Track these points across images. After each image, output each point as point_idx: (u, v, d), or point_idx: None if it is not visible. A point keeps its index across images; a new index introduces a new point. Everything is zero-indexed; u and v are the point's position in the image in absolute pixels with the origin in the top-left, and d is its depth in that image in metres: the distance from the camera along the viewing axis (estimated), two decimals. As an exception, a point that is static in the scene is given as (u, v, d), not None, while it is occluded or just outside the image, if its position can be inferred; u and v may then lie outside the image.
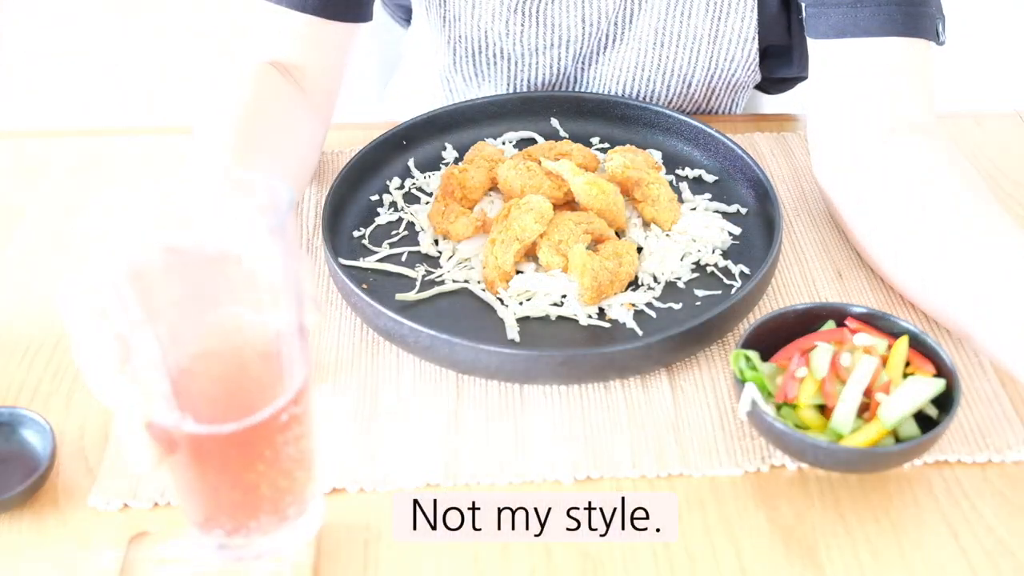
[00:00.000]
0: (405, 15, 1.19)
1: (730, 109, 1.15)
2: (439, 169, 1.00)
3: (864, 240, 0.88)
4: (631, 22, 1.03)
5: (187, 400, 0.56)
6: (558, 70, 1.08)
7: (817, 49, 0.92)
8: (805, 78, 1.11)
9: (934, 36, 0.90)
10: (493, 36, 1.04)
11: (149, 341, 0.54)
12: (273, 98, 0.89)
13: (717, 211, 0.94)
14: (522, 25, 1.03)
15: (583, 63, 1.07)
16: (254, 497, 0.61)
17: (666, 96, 1.09)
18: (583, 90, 1.10)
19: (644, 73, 1.07)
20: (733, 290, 0.86)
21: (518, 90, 1.10)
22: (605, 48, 1.06)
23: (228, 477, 0.60)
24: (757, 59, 1.06)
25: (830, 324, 0.77)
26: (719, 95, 1.11)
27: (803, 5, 0.94)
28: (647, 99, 1.09)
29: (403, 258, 0.90)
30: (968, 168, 0.85)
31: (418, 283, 0.87)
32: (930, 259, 0.81)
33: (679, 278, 0.87)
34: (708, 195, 0.96)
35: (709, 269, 0.88)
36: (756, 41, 1.04)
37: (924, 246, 0.82)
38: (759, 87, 1.19)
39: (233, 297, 0.54)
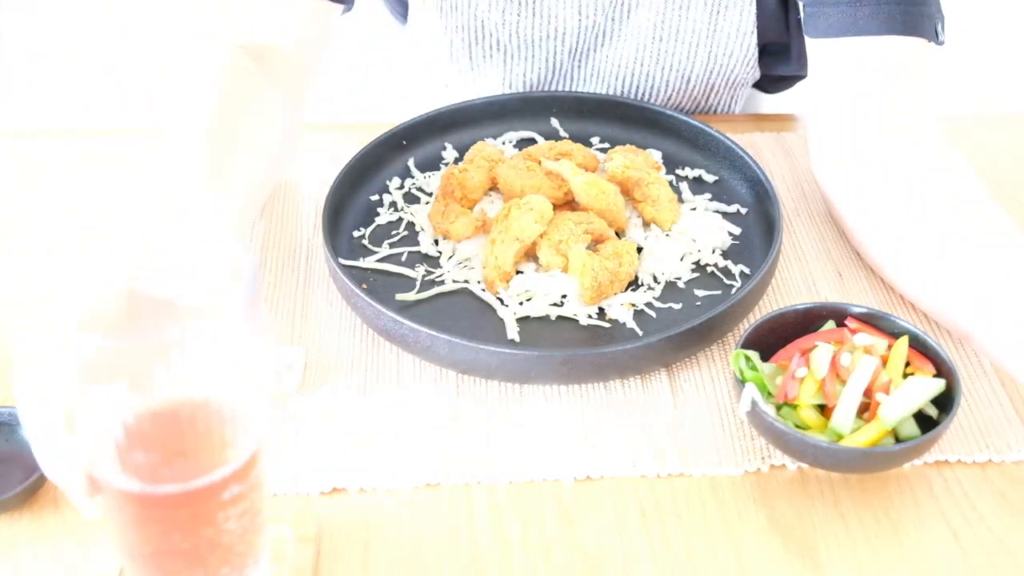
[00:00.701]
0: (403, 10, 1.19)
1: (729, 107, 1.15)
2: (439, 169, 1.00)
3: (864, 240, 0.88)
4: (628, 16, 1.03)
5: (129, 458, 0.55)
6: (554, 64, 1.08)
7: (816, 48, 0.92)
8: (804, 77, 1.11)
9: (933, 36, 0.90)
10: (489, 26, 1.04)
11: (98, 399, 0.52)
12: (245, 93, 0.87)
13: (717, 211, 0.94)
14: (518, 15, 1.03)
15: (580, 58, 1.07)
16: (183, 564, 0.59)
17: (665, 92, 1.09)
18: (581, 85, 1.10)
19: (643, 68, 1.07)
20: (733, 290, 0.86)
21: (514, 84, 1.10)
22: (602, 43, 1.06)
23: (156, 539, 0.58)
24: (756, 55, 1.06)
25: (830, 324, 0.77)
26: (718, 92, 1.11)
27: (801, 5, 0.94)
28: (646, 95, 1.09)
29: (403, 258, 0.90)
30: (968, 168, 0.85)
31: (418, 283, 0.87)
32: (930, 259, 0.81)
33: (679, 278, 0.87)
34: (708, 195, 0.96)
35: (709, 269, 0.88)
36: (755, 36, 1.04)
37: (924, 246, 0.82)
38: (758, 86, 1.19)
39: (187, 363, 0.52)
